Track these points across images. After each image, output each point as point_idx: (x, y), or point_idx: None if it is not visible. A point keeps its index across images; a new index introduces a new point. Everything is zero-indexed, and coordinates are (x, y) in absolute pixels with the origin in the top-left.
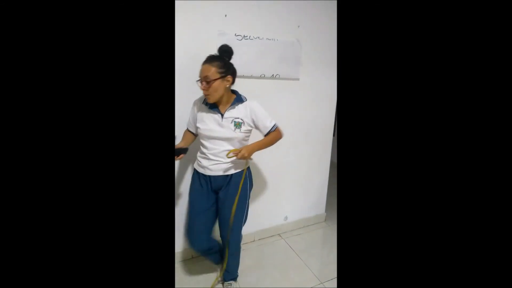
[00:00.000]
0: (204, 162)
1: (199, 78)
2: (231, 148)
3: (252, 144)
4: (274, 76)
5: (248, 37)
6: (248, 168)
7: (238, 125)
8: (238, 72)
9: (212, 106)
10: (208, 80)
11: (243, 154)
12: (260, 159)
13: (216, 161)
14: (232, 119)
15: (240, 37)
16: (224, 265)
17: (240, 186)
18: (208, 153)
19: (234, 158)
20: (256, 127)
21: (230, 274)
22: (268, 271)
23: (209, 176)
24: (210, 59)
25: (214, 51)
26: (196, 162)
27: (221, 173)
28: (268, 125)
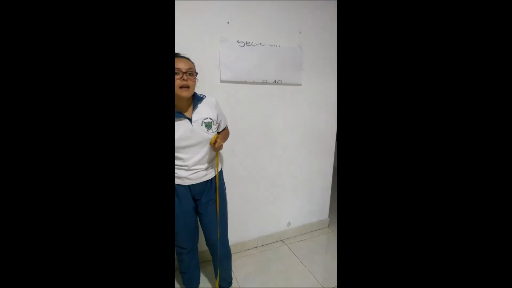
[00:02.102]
0: (182, 173)
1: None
2: (208, 152)
3: (219, 135)
4: (276, 81)
5: (250, 44)
6: (221, 169)
7: (208, 125)
8: (241, 78)
9: (178, 114)
10: (192, 72)
11: (220, 144)
12: (262, 164)
13: (195, 170)
14: (201, 120)
15: (242, 44)
16: (218, 272)
17: (217, 186)
18: (185, 164)
19: (212, 162)
20: (217, 123)
21: (226, 279)
22: (271, 277)
23: (188, 186)
24: (182, 56)
25: (216, 58)
26: None
27: (201, 180)
28: (226, 121)
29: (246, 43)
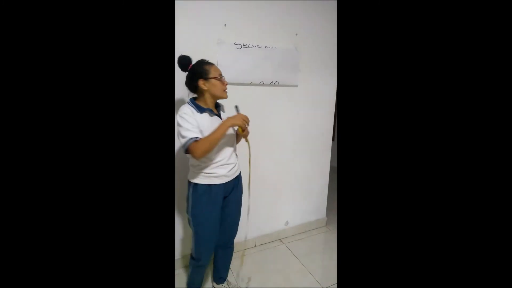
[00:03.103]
0: (221, 171)
1: (220, 76)
2: (235, 146)
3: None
4: (273, 83)
5: (247, 46)
6: None
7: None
8: (238, 80)
9: (211, 111)
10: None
11: (247, 131)
12: (260, 164)
13: (231, 165)
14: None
15: (239, 46)
16: (229, 266)
17: (241, 186)
18: (221, 158)
19: (236, 159)
20: None
21: (225, 273)
22: (269, 276)
23: (223, 184)
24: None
25: (214, 60)
26: (201, 176)
27: (234, 177)
28: None
29: (243, 45)
